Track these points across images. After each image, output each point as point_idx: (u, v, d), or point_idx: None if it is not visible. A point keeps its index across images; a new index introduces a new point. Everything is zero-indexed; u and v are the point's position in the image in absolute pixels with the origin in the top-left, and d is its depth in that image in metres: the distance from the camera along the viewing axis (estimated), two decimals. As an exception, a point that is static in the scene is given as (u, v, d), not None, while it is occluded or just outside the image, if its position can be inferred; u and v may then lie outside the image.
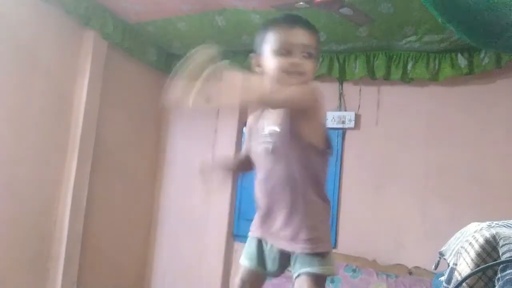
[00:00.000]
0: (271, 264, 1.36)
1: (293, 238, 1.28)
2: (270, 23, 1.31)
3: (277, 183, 1.30)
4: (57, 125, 2.70)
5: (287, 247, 1.30)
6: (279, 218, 1.30)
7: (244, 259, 1.41)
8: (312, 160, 1.28)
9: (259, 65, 1.32)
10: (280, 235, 1.30)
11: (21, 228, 2.51)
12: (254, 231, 1.41)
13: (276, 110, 1.29)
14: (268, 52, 1.27)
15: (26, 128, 2.51)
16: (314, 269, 1.24)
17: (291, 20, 1.29)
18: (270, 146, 1.29)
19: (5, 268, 2.42)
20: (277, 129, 1.28)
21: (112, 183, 3.15)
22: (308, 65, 1.26)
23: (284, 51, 1.24)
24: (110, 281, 3.18)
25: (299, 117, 1.25)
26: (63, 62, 2.73)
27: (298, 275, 1.26)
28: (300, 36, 1.25)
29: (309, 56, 1.26)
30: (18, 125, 2.47)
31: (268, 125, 1.32)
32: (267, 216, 1.35)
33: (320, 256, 1.26)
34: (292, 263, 1.30)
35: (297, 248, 1.27)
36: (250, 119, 1.46)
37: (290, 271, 1.33)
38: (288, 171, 1.27)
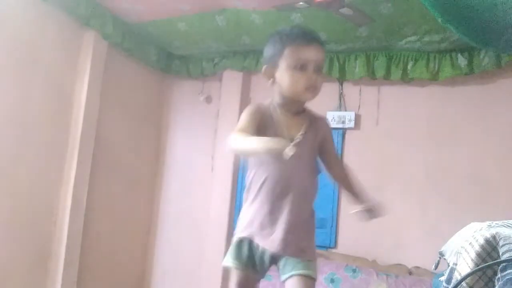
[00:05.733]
0: (258, 266, 1.37)
1: (292, 244, 1.33)
2: (286, 37, 1.35)
3: (287, 189, 1.34)
4: (57, 125, 2.70)
5: (282, 252, 1.33)
6: (281, 224, 1.33)
7: (236, 261, 1.38)
8: (316, 176, 1.41)
9: (271, 76, 1.38)
10: (278, 240, 1.33)
11: (21, 228, 2.50)
12: (246, 231, 1.39)
13: (296, 119, 1.39)
14: (284, 66, 1.33)
15: (26, 128, 2.51)
16: (308, 272, 1.30)
17: (308, 36, 1.36)
18: (292, 151, 1.30)
19: (5, 268, 2.42)
20: (300, 138, 1.35)
21: (112, 183, 3.15)
22: (319, 80, 1.34)
23: (300, 66, 1.31)
24: (110, 281, 3.18)
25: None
26: (63, 62, 2.73)
27: (291, 276, 1.30)
28: (315, 53, 1.33)
29: (319, 71, 1.34)
30: (18, 125, 2.47)
31: (287, 130, 1.36)
32: (267, 219, 1.36)
33: (311, 261, 1.34)
34: (281, 265, 1.35)
35: (293, 253, 1.33)
36: (258, 109, 1.41)
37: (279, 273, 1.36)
38: (299, 179, 1.35)
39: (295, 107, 1.39)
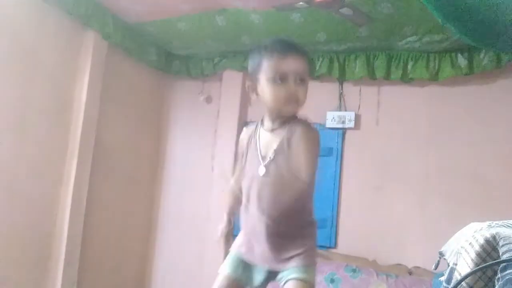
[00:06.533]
0: (257, 275, 1.38)
1: (278, 259, 1.33)
2: (263, 51, 1.33)
3: (264, 206, 1.33)
4: (57, 125, 2.70)
5: (273, 267, 1.34)
6: (264, 240, 1.33)
7: (227, 267, 1.42)
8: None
9: (255, 92, 1.37)
10: (265, 257, 1.35)
11: (21, 228, 2.50)
12: (239, 249, 1.43)
13: (275, 135, 1.34)
14: (264, 80, 1.31)
15: (26, 128, 2.51)
16: (302, 276, 1.30)
17: (284, 47, 1.32)
18: (264, 169, 1.32)
19: (5, 268, 2.41)
20: (274, 155, 1.32)
21: (112, 183, 3.15)
22: (302, 92, 1.30)
23: (279, 79, 1.28)
24: (110, 281, 3.18)
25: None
26: (63, 62, 2.73)
27: (286, 282, 1.31)
28: (294, 64, 1.29)
29: (302, 81, 1.30)
30: (18, 125, 2.47)
31: (264, 148, 1.36)
32: (252, 238, 1.38)
33: (306, 266, 1.32)
34: (278, 276, 1.35)
35: (282, 267, 1.33)
36: (243, 136, 1.47)
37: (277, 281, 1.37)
38: (278, 194, 1.31)
39: (281, 121, 1.34)
